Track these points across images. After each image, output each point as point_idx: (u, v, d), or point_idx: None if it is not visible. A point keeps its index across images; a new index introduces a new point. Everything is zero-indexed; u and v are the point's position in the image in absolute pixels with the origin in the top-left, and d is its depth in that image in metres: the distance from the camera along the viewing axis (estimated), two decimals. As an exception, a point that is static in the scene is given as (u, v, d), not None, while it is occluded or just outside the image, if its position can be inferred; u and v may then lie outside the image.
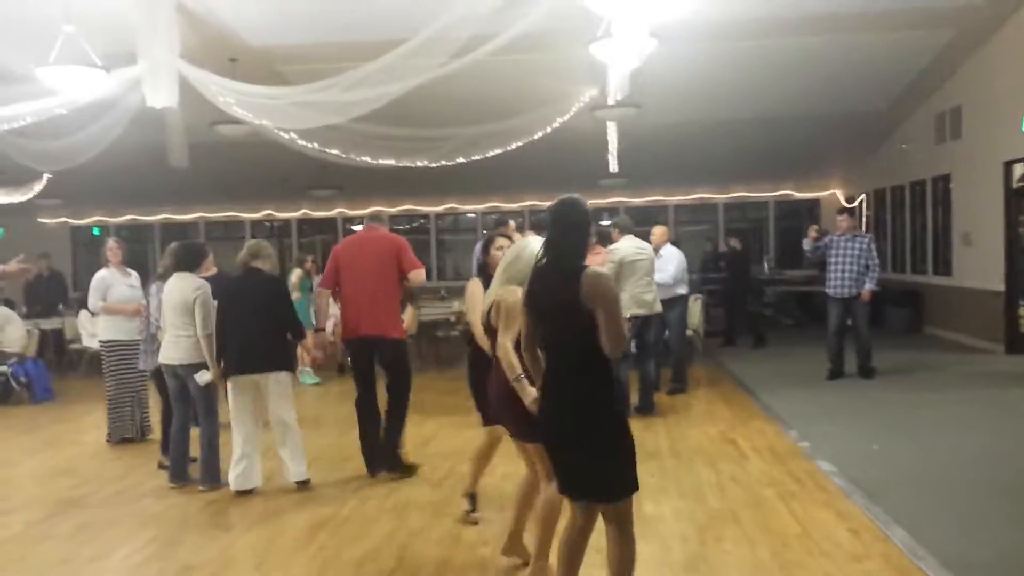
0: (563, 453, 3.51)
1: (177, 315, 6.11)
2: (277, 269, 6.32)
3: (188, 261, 6.29)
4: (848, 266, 9.55)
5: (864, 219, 17.31)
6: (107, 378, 7.88)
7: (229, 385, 6.08)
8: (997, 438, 6.96)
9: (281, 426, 6.10)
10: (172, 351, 6.18)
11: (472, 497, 5.30)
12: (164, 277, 6.59)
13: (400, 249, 6.41)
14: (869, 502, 5.32)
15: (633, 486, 3.50)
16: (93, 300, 7.67)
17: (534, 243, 4.06)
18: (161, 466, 6.75)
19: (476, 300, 4.94)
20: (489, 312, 4.18)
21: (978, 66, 11.69)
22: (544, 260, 3.53)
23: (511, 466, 5.48)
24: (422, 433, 7.61)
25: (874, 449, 6.70)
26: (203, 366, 6.10)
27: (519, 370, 3.86)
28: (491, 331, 4.17)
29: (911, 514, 5.04)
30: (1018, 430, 7.25)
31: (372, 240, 6.46)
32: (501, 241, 5.08)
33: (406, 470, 6.36)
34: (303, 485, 6.14)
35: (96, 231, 21.16)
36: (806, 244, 9.92)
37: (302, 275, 11.57)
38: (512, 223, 9.46)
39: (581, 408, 3.42)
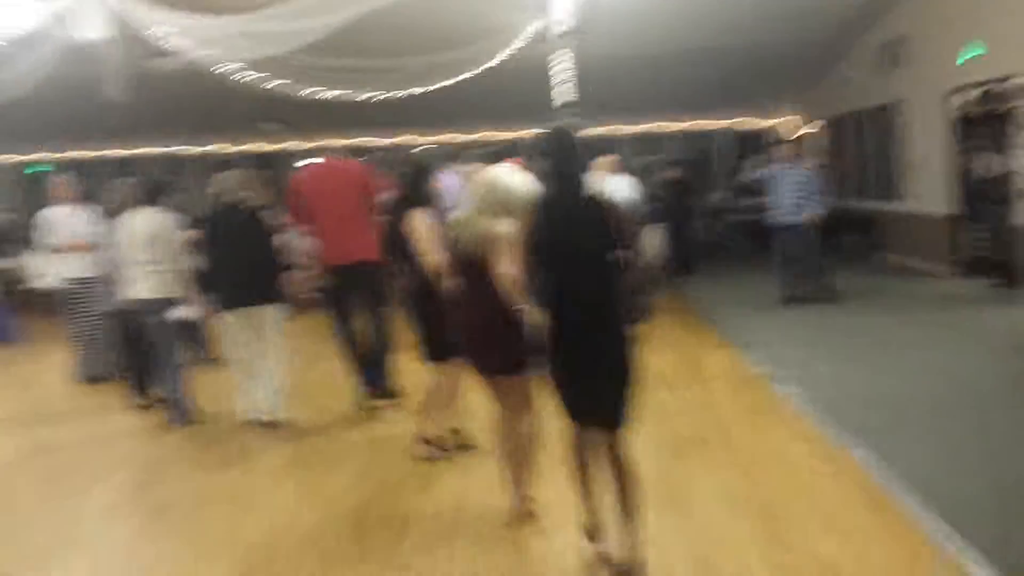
0: (593, 381, 3.49)
1: (142, 251, 5.94)
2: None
3: (152, 196, 6.14)
4: (789, 194, 9.66)
5: (819, 146, 17.44)
6: (70, 318, 7.68)
7: (225, 320, 5.97)
8: (948, 357, 7.18)
9: (272, 360, 6.02)
10: (137, 287, 6.02)
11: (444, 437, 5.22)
12: (114, 213, 6.41)
13: (368, 175, 6.38)
14: (830, 422, 5.47)
15: (626, 417, 3.59)
16: (36, 239, 7.47)
17: (505, 173, 4.01)
18: (140, 407, 6.64)
19: (425, 232, 4.87)
20: (459, 245, 4.05)
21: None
22: (550, 190, 3.54)
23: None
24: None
25: (824, 371, 6.86)
26: (168, 302, 5.97)
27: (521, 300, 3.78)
28: (466, 264, 4.03)
29: (869, 431, 5.21)
30: (966, 349, 7.47)
31: (339, 169, 6.37)
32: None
33: (396, 394, 6.37)
34: (276, 424, 6.07)
35: (31, 169, 20.44)
36: (751, 175, 10.07)
37: None
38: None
39: (614, 332, 3.47)
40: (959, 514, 3.92)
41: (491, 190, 3.99)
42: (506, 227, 3.81)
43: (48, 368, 8.75)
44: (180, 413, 6.17)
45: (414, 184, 5.16)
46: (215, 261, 5.93)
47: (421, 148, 6.94)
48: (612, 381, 3.50)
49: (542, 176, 3.60)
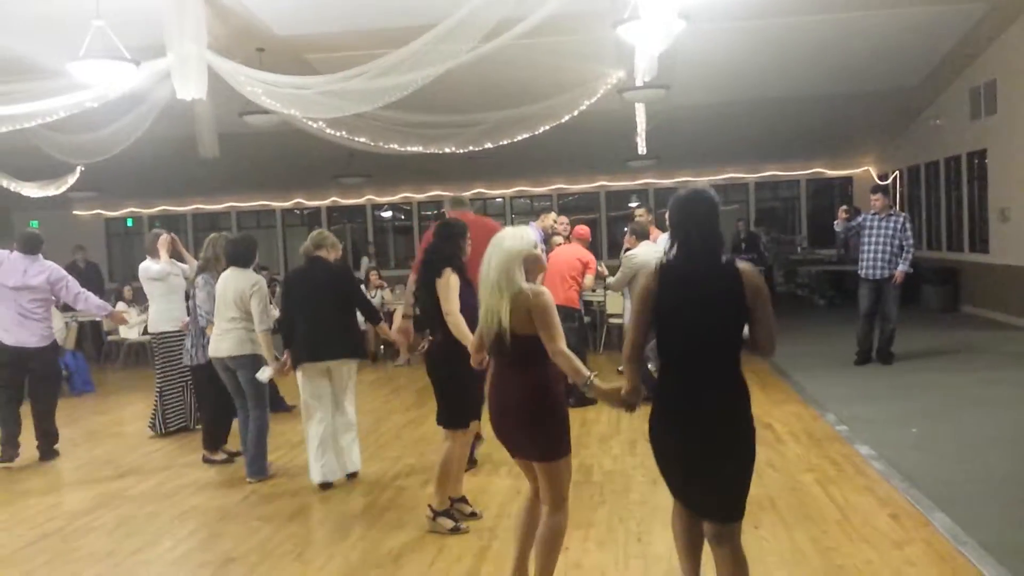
0: (708, 464, 3.23)
1: (231, 309, 6.11)
2: (340, 257, 6.32)
3: (244, 256, 6.25)
4: (881, 247, 9.24)
5: (898, 196, 17.07)
6: (158, 370, 7.96)
7: (300, 374, 6.01)
8: (1039, 419, 6.85)
9: (345, 414, 6.10)
10: (221, 344, 6.18)
11: (454, 505, 5.03)
12: (205, 269, 6.66)
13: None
14: (909, 486, 5.27)
15: (743, 510, 3.32)
16: (149, 287, 7.85)
17: (529, 233, 3.79)
18: (207, 460, 6.83)
19: (452, 292, 4.82)
20: (488, 317, 3.66)
21: (1012, 40, 11.42)
22: (676, 256, 3.30)
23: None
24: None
25: (913, 432, 6.62)
26: (254, 358, 6.12)
27: (587, 371, 3.54)
28: (496, 339, 3.65)
29: (952, 498, 4.99)
30: (1060, 410, 7.13)
31: (480, 224, 6.13)
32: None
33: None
34: (353, 476, 6.15)
35: (129, 222, 21.41)
36: (837, 225, 9.64)
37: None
38: (552, 214, 9.54)
39: (731, 415, 3.24)
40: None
41: (517, 254, 3.65)
42: (548, 295, 3.59)
43: (122, 419, 9.06)
44: (258, 468, 6.27)
45: (447, 240, 5.02)
46: (294, 315, 6.03)
47: (453, 198, 6.87)
48: (728, 468, 3.23)
49: (672, 239, 3.35)
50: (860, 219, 9.53)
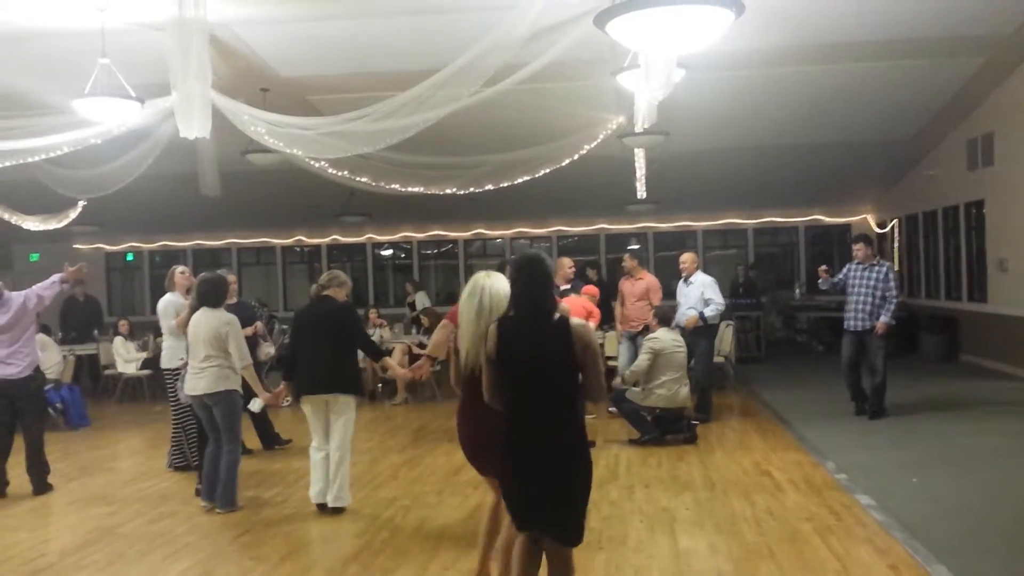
0: (542, 488, 3.63)
1: (205, 348, 6.27)
2: (350, 296, 6.59)
3: (214, 296, 6.43)
4: (863, 297, 9.01)
5: (896, 244, 17.14)
6: (172, 405, 7.77)
7: (303, 405, 6.32)
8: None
9: (339, 449, 6.22)
10: (198, 382, 6.33)
11: None
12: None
13: None
14: (909, 537, 5.21)
15: (581, 537, 3.75)
16: (166, 323, 7.69)
17: (499, 282, 4.06)
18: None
19: (440, 336, 5.19)
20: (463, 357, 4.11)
21: (1009, 92, 11.55)
22: (515, 312, 3.71)
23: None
24: (452, 462, 7.57)
25: (913, 482, 6.58)
26: (230, 394, 6.30)
27: None
28: (467, 376, 4.09)
29: (953, 550, 4.94)
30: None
31: None
32: None
33: None
34: (339, 511, 6.20)
35: (129, 257, 21.45)
36: (822, 284, 9.48)
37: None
38: (567, 259, 9.93)
39: (567, 449, 3.64)
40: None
41: (482, 300, 4.03)
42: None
43: (116, 454, 8.99)
44: (229, 500, 6.39)
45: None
46: (297, 351, 6.32)
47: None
48: (572, 493, 3.63)
49: (511, 299, 3.77)
50: (844, 270, 9.33)
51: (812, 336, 16.36)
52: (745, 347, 14.40)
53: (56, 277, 7.34)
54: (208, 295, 6.40)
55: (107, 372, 13.13)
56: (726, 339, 11.56)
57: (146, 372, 12.45)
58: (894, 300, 9.04)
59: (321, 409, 6.27)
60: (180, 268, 8.06)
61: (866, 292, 9.02)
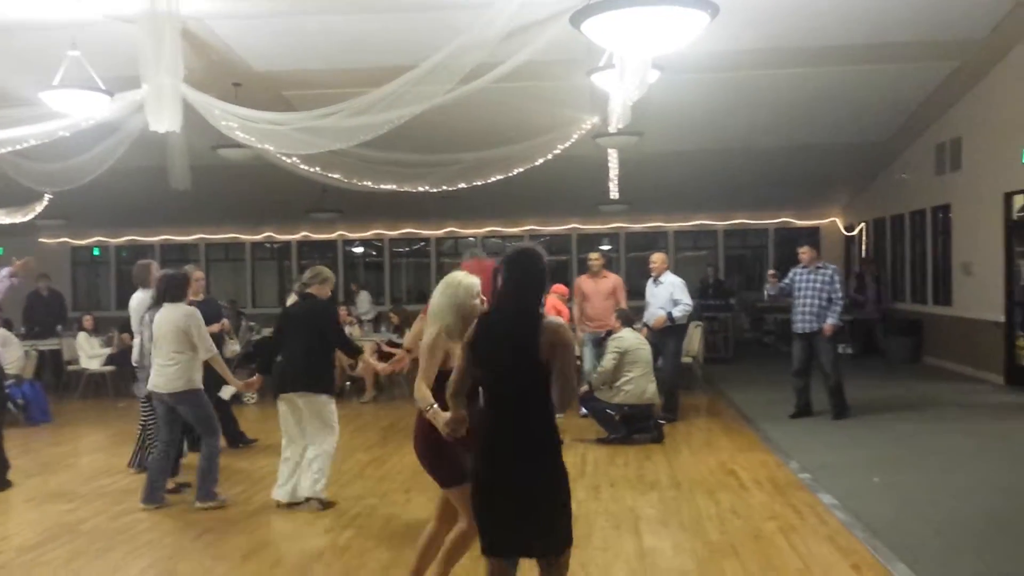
0: (517, 502, 3.38)
1: (169, 343, 6.22)
2: (329, 292, 6.59)
3: (174, 292, 6.38)
4: (810, 300, 9.08)
5: (863, 247, 17.34)
6: (143, 404, 7.54)
7: (278, 403, 6.36)
8: (998, 470, 6.93)
9: (317, 446, 6.24)
10: (160, 379, 6.28)
11: None
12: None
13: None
14: (871, 536, 5.28)
15: (571, 537, 3.51)
16: (135, 323, 7.42)
17: (467, 279, 4.07)
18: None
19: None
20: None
21: (978, 98, 11.74)
22: (497, 308, 3.57)
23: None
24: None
25: (875, 481, 6.66)
26: (192, 393, 6.28)
27: (428, 402, 3.91)
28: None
29: (914, 549, 5.01)
30: (1018, 462, 7.21)
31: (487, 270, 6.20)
32: None
33: None
34: (303, 503, 6.25)
35: (96, 251, 21.17)
36: (770, 289, 9.59)
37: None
38: None
39: (539, 455, 3.41)
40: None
41: (457, 293, 4.04)
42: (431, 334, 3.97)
43: (77, 450, 8.87)
44: (207, 493, 6.34)
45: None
46: (279, 348, 6.39)
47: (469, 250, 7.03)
48: (553, 505, 3.42)
49: (500, 291, 3.57)
50: (790, 275, 9.38)
51: (779, 338, 16.51)
52: (713, 348, 14.50)
53: (5, 271, 7.23)
54: (167, 292, 6.36)
55: (70, 368, 12.93)
56: (694, 340, 11.65)
57: (110, 368, 12.30)
58: (840, 301, 9.18)
59: (296, 408, 6.28)
60: (151, 263, 7.92)
61: (812, 295, 9.12)
